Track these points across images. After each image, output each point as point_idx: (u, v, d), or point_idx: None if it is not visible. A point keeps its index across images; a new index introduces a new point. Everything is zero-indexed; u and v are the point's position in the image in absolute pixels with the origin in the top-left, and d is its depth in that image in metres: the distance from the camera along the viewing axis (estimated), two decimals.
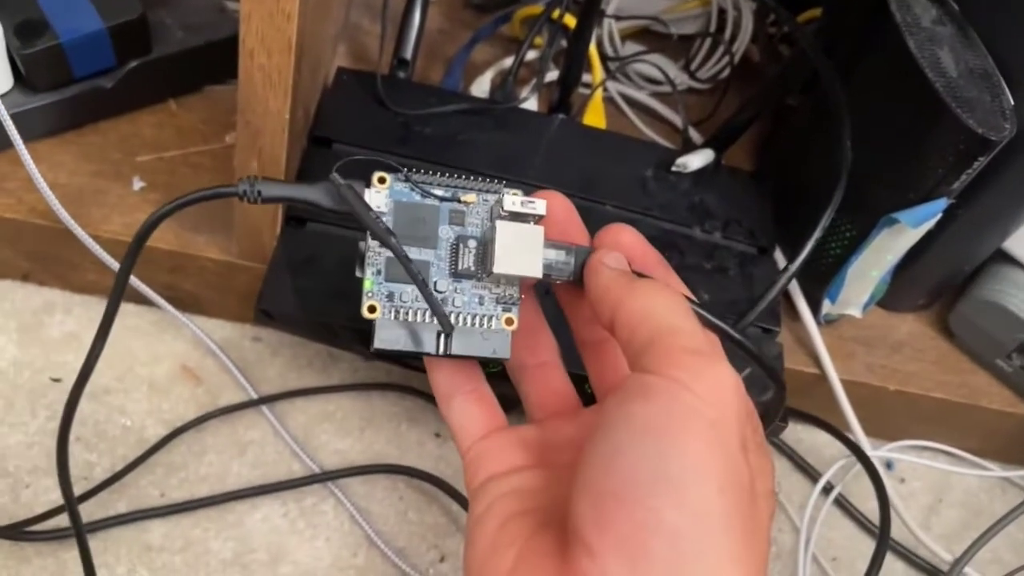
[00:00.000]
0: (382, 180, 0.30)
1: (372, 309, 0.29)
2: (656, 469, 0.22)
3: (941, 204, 0.47)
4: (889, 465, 0.59)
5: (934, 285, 0.57)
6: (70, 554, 0.46)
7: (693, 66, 0.66)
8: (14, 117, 0.43)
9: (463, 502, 0.50)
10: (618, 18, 0.66)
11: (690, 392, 0.23)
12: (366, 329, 0.30)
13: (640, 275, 0.29)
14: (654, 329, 0.25)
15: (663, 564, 0.22)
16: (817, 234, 0.48)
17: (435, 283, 0.30)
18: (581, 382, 0.34)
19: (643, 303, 0.26)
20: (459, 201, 0.30)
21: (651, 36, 0.68)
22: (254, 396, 0.51)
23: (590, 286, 0.29)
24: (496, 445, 0.30)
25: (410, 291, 0.30)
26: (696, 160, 0.55)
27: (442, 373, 0.32)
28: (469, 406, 0.31)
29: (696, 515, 0.22)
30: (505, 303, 0.30)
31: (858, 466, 0.56)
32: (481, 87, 0.61)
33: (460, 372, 0.32)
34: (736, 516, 0.22)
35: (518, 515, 0.27)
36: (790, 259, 0.48)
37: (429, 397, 0.53)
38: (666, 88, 0.64)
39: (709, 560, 0.22)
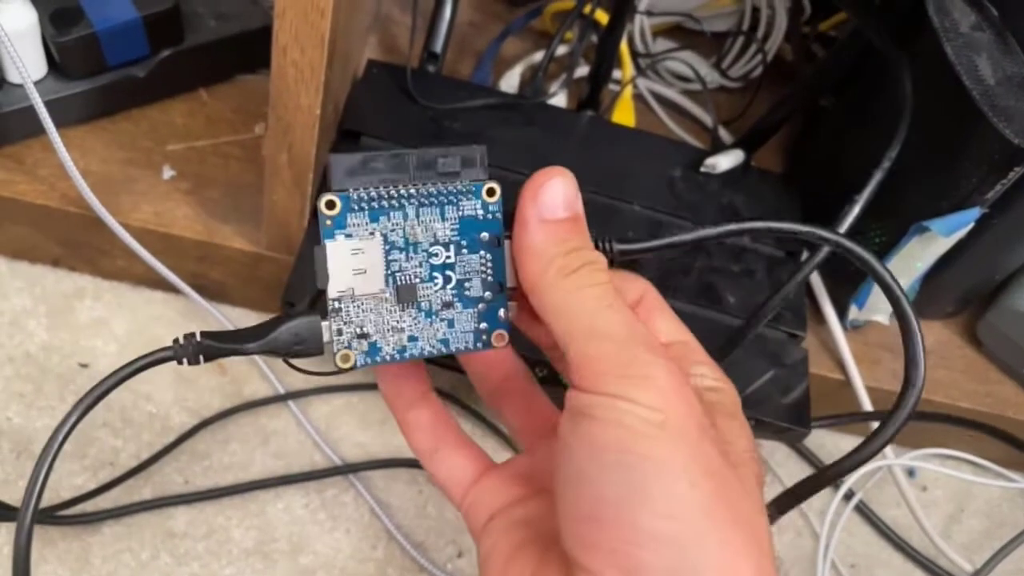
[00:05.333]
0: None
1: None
2: (623, 484, 0.22)
3: (974, 213, 0.47)
4: (911, 473, 0.59)
5: (963, 294, 0.56)
6: (94, 538, 0.46)
7: (725, 64, 0.65)
8: (48, 104, 0.43)
9: None
10: (650, 14, 0.65)
11: (630, 403, 0.23)
12: None
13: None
14: (569, 332, 0.24)
15: (660, 572, 0.22)
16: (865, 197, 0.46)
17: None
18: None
19: (559, 299, 0.25)
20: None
21: (683, 33, 0.67)
22: (279, 387, 0.52)
23: (519, 266, 0.26)
24: (490, 486, 0.29)
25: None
26: (725, 161, 0.55)
27: (421, 431, 0.30)
28: (455, 458, 0.30)
29: (675, 517, 0.22)
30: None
31: (880, 473, 0.56)
32: (510, 82, 0.61)
33: (439, 424, 0.30)
34: (716, 501, 0.22)
35: (524, 544, 0.27)
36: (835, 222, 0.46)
37: (451, 397, 0.53)
38: (697, 86, 0.64)
39: (702, 554, 0.22)
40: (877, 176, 0.45)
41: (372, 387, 0.54)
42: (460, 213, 0.26)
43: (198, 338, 0.26)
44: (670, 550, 0.22)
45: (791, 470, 0.57)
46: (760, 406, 0.48)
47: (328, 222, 0.25)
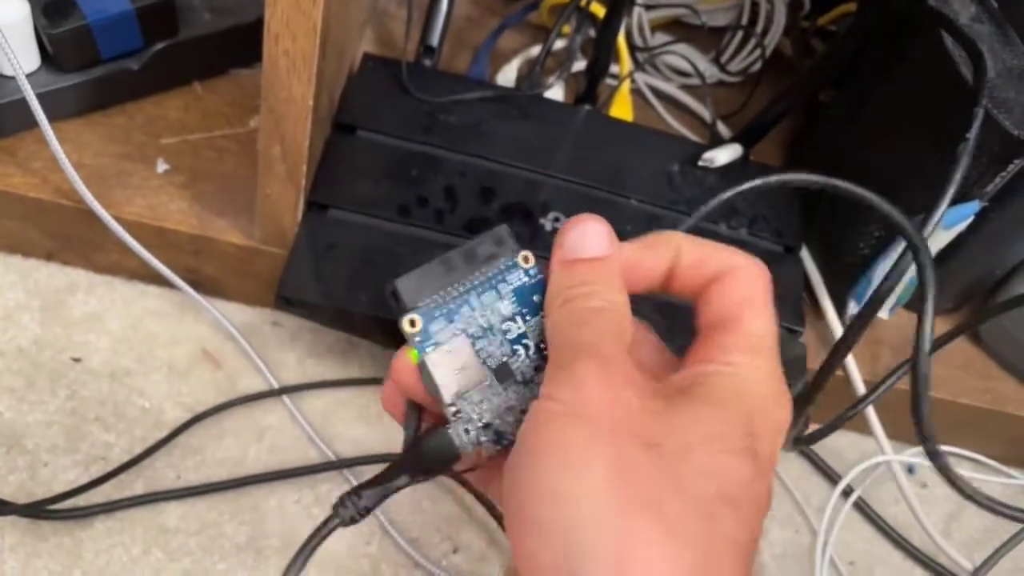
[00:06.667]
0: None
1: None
2: (529, 471, 0.23)
3: (973, 206, 0.46)
4: (911, 470, 0.58)
5: (963, 289, 0.56)
6: (86, 533, 0.46)
7: (723, 59, 0.65)
8: (40, 97, 0.43)
9: (477, 494, 0.50)
10: (648, 7, 0.65)
11: (551, 400, 0.24)
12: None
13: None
14: (554, 350, 0.26)
15: (549, 558, 0.22)
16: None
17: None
18: None
19: (550, 324, 0.27)
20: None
21: (681, 27, 0.67)
22: (273, 382, 0.52)
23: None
24: None
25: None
26: (724, 155, 0.55)
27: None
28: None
29: (560, 502, 0.22)
30: None
31: (879, 470, 0.55)
32: (507, 76, 0.60)
33: None
34: (620, 489, 0.22)
35: None
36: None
37: None
38: (695, 81, 0.63)
39: (593, 541, 0.22)
40: (968, 147, 0.41)
41: (367, 382, 0.53)
42: (511, 287, 0.28)
43: (356, 497, 0.27)
44: (553, 537, 0.22)
45: (790, 467, 0.57)
46: None
47: (417, 339, 0.27)
